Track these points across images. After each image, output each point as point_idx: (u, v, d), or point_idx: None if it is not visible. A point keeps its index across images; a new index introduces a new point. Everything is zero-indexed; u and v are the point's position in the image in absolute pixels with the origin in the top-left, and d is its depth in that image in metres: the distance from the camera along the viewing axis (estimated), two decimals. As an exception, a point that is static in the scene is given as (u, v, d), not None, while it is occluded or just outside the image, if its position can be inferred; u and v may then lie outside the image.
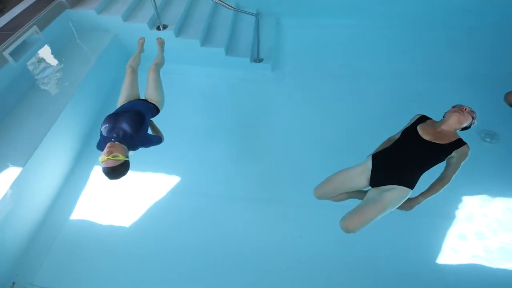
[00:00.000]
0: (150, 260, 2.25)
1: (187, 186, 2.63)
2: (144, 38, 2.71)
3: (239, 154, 2.82)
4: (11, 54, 2.60)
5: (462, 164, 1.71)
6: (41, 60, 2.88)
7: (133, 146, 1.73)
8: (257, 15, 3.12)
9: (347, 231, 1.60)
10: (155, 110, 2.12)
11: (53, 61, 2.91)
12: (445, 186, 1.69)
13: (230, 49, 3.44)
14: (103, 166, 1.56)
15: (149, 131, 2.03)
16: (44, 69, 2.82)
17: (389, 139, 1.99)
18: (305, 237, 2.33)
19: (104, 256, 2.28)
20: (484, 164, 2.57)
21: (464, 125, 1.76)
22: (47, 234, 2.36)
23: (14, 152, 2.21)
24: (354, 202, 1.85)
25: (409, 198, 1.70)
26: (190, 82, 3.34)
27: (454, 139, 1.72)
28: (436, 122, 1.84)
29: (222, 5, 3.01)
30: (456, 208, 2.42)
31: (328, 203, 2.39)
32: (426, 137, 1.73)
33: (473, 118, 1.77)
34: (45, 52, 2.91)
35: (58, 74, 2.79)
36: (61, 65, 2.87)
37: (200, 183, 2.63)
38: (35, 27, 2.80)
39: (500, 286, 2.10)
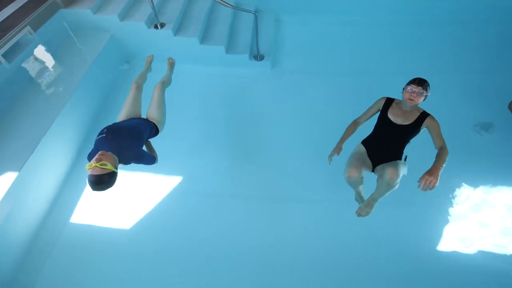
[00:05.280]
0: (151, 261, 2.24)
1: (187, 185, 2.59)
2: (152, 56, 2.67)
3: (239, 152, 2.79)
4: (4, 55, 2.52)
5: (440, 131, 1.92)
6: (36, 61, 2.79)
7: (125, 160, 1.67)
8: (255, 13, 3.07)
9: (392, 179, 1.85)
10: (154, 130, 2.06)
11: (48, 63, 2.82)
12: (448, 154, 1.85)
13: (229, 47, 3.39)
14: (89, 174, 1.48)
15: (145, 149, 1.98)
16: (39, 71, 2.73)
17: (354, 122, 2.20)
18: (307, 233, 2.33)
19: (105, 257, 2.25)
20: (479, 155, 2.65)
21: (419, 102, 1.91)
22: (47, 238, 2.31)
23: (10, 155, 2.14)
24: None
25: (427, 171, 1.77)
26: (189, 81, 3.28)
27: (419, 113, 1.98)
28: (400, 102, 2.04)
29: (221, 3, 2.95)
30: (454, 198, 2.45)
31: (329, 199, 2.46)
32: (397, 121, 1.99)
33: (425, 95, 1.89)
34: (40, 54, 2.83)
35: (53, 76, 2.71)
36: (57, 67, 2.79)
37: (200, 183, 2.60)
38: (28, 28, 2.72)
39: (498, 276, 2.12)
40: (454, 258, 2.20)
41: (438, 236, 2.28)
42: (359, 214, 2.19)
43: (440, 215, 2.38)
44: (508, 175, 2.55)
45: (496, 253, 2.21)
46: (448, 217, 2.36)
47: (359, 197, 2.27)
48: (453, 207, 2.40)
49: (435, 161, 1.81)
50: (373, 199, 2.12)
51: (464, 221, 2.34)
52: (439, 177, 1.73)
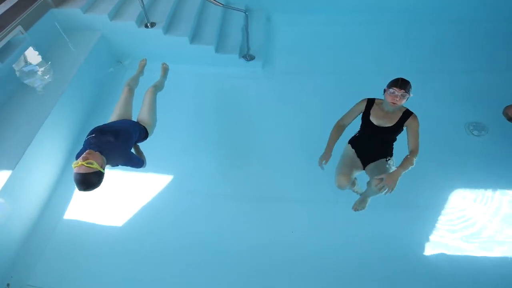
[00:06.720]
0: (145, 259, 2.26)
1: (180, 185, 2.63)
2: (146, 60, 2.69)
3: (231, 151, 2.82)
4: (-5, 55, 2.56)
5: (418, 133, 1.91)
6: (27, 61, 2.82)
7: (113, 161, 1.67)
8: (246, 12, 3.10)
9: (379, 189, 1.88)
10: (144, 133, 2.06)
11: (39, 62, 2.85)
12: (416, 157, 1.88)
13: (220, 47, 3.42)
14: (75, 172, 1.46)
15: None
16: (31, 70, 2.76)
17: (338, 125, 2.14)
18: (306, 233, 2.35)
19: (98, 255, 2.28)
20: (473, 156, 2.67)
21: (402, 104, 1.86)
22: (41, 235, 2.35)
23: (3, 154, 2.18)
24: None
25: (388, 174, 1.84)
26: (179, 81, 3.28)
27: (401, 113, 1.94)
28: (382, 102, 1.97)
29: (211, 2, 2.99)
30: (446, 199, 2.48)
31: (319, 200, 2.48)
32: (380, 123, 1.96)
33: (407, 97, 1.83)
34: (31, 53, 2.85)
35: (45, 75, 2.75)
36: (48, 66, 2.83)
37: (193, 182, 2.63)
38: (19, 27, 2.74)
39: (488, 275, 2.15)
40: (452, 258, 2.21)
41: (434, 237, 2.29)
42: (355, 209, 2.23)
43: (436, 216, 2.38)
44: (500, 176, 2.56)
45: (492, 254, 2.22)
46: (445, 217, 2.37)
47: (356, 192, 2.31)
48: (449, 207, 2.41)
49: (400, 165, 1.85)
50: (366, 196, 2.16)
51: (461, 221, 2.35)
52: (397, 182, 1.81)
